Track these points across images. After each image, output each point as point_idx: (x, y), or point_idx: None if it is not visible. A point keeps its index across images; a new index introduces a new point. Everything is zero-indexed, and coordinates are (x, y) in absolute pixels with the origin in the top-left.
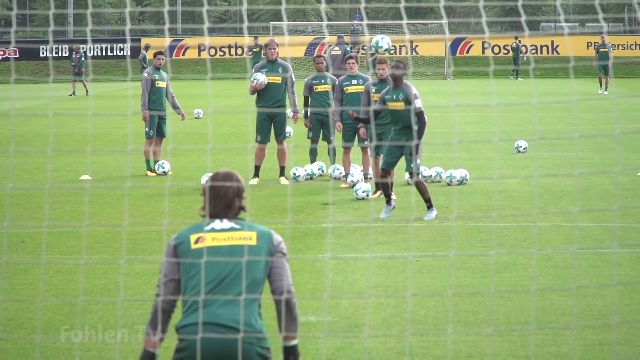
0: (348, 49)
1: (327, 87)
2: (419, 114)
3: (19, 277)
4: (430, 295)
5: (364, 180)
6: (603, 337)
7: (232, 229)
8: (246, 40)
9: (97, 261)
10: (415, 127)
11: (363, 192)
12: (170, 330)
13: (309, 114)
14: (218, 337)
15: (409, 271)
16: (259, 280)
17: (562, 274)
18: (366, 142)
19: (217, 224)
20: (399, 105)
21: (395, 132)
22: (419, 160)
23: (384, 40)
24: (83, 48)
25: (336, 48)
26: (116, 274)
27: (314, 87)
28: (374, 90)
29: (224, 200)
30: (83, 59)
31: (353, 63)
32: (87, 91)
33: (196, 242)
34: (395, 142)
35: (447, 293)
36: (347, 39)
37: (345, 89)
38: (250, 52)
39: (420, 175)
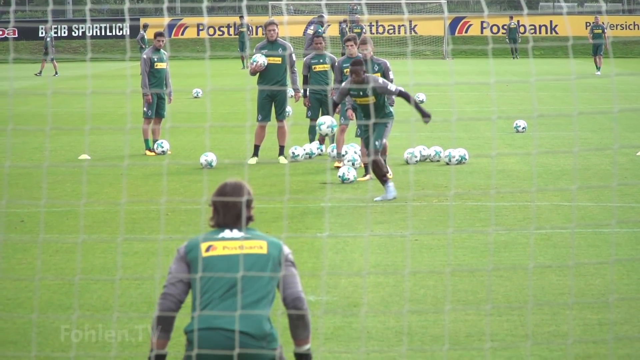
0: (320, 29)
1: (326, 67)
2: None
3: (17, 257)
4: (429, 273)
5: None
6: (602, 316)
7: (243, 238)
8: (245, 19)
9: (96, 239)
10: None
11: (328, 127)
12: (177, 331)
13: (307, 93)
14: (227, 341)
15: (407, 250)
16: (269, 288)
17: (561, 253)
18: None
19: (227, 233)
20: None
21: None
22: (384, 140)
23: (325, 125)
24: (53, 29)
25: (311, 27)
26: (115, 253)
27: (313, 67)
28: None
29: (233, 210)
30: (49, 39)
31: (351, 45)
32: (40, 71)
33: (207, 250)
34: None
35: (445, 270)
36: (327, 18)
37: (345, 70)
38: (237, 32)
39: (378, 153)
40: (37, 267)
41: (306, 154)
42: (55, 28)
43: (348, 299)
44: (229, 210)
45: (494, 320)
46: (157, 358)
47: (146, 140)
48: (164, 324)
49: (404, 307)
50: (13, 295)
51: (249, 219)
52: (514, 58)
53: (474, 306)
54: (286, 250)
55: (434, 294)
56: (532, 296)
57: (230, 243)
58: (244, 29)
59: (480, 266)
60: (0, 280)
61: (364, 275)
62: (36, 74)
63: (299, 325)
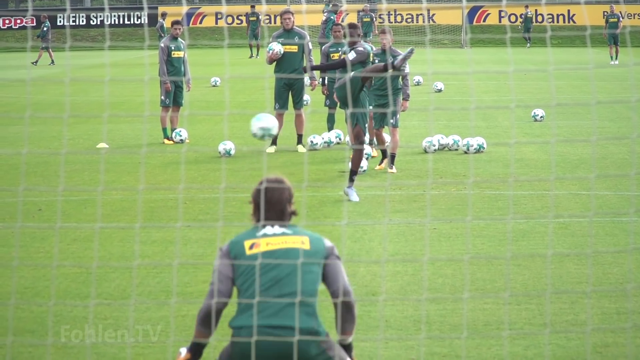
0: (333, 17)
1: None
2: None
3: (35, 245)
4: (447, 261)
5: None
6: (620, 305)
7: (284, 234)
8: (263, 8)
9: (114, 228)
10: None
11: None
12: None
13: (326, 81)
14: (274, 339)
15: (426, 239)
16: (314, 282)
17: (579, 242)
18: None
19: (269, 229)
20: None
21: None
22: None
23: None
24: (71, 18)
25: (325, 16)
26: (133, 242)
27: (331, 55)
28: (377, 61)
29: (277, 206)
30: (45, 29)
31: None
32: (52, 60)
33: (251, 247)
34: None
35: (463, 259)
36: (345, 7)
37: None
38: (247, 21)
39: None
40: (55, 255)
41: (324, 142)
42: (73, 17)
43: (366, 288)
44: (273, 206)
45: (512, 308)
46: (197, 346)
47: (164, 129)
48: (206, 323)
49: (422, 295)
50: (31, 283)
51: (292, 213)
52: (527, 47)
53: (492, 295)
54: (329, 244)
55: (453, 282)
56: (550, 285)
57: (273, 239)
58: (254, 18)
59: (498, 255)
60: (18, 269)
61: (383, 263)
62: (49, 64)
63: (347, 318)
